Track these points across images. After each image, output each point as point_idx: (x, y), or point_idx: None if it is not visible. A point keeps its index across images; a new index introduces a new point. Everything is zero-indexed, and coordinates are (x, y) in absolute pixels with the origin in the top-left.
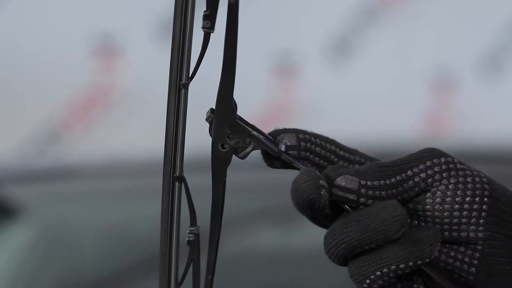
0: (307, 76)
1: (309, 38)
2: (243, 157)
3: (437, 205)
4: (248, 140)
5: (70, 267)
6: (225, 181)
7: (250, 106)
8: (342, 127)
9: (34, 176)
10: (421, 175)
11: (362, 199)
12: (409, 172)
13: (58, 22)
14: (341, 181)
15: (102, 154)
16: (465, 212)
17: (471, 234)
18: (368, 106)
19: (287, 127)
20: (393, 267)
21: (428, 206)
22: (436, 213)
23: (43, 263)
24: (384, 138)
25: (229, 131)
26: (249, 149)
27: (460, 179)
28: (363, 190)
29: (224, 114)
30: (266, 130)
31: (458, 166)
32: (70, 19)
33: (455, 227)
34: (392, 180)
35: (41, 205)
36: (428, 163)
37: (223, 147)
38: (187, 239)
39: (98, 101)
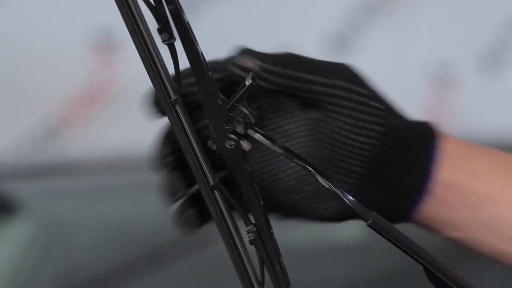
0: None
1: (308, 34)
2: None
3: (337, 129)
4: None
5: (69, 262)
6: (250, 172)
7: None
8: None
9: (33, 172)
10: (334, 91)
11: (261, 83)
12: (322, 80)
13: (56, 17)
14: (239, 60)
15: (101, 150)
16: (356, 149)
17: (355, 169)
18: None
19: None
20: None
21: (329, 124)
22: (334, 134)
23: (42, 258)
24: None
25: (228, 127)
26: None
27: (362, 116)
28: (264, 75)
29: (214, 115)
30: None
31: (362, 100)
32: (68, 14)
33: (344, 156)
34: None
35: (40, 201)
36: (338, 82)
37: (229, 145)
38: (248, 239)
39: (97, 97)
